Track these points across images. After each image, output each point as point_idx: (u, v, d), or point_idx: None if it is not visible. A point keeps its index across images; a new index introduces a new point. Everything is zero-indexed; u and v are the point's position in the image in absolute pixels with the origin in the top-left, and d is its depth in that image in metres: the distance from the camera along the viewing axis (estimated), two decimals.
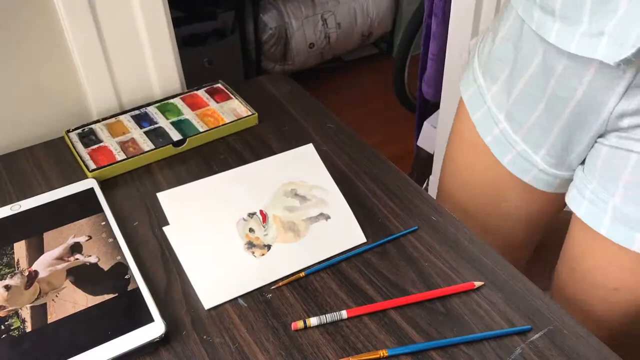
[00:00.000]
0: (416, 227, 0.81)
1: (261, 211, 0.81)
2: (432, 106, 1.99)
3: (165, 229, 0.82)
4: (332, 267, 0.76)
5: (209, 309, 0.71)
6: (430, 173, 1.95)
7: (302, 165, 0.87)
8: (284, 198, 0.83)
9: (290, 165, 0.87)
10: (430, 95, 1.92)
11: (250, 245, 0.78)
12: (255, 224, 0.80)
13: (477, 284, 0.73)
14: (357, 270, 0.75)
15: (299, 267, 0.76)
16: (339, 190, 0.84)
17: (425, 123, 2.04)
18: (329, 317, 0.69)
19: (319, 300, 0.72)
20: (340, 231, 0.80)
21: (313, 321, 0.69)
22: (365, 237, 0.80)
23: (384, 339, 0.68)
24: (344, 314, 0.69)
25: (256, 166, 0.87)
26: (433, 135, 1.95)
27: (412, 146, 2.10)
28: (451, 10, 1.66)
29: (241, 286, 0.74)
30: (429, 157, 1.96)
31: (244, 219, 0.81)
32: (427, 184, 1.95)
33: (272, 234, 0.79)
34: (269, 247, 0.78)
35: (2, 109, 0.97)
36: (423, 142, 2.04)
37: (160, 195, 0.83)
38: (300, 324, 0.68)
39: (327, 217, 0.81)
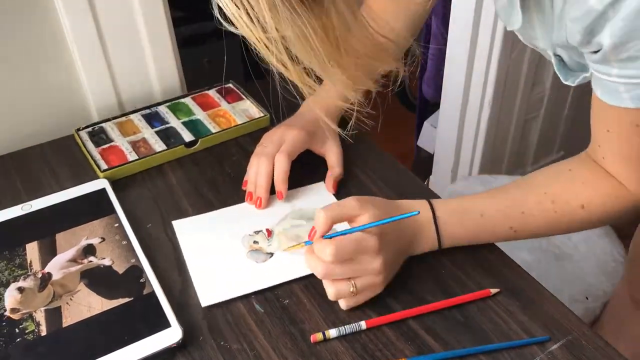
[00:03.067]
0: None
1: (267, 229, 0.82)
2: (432, 106, 1.99)
3: (174, 223, 0.82)
4: None
5: (225, 315, 0.71)
6: (430, 173, 1.95)
7: (313, 197, 0.88)
8: (291, 220, 0.84)
9: (301, 197, 0.87)
10: (430, 95, 1.92)
11: (253, 252, 0.79)
12: (260, 238, 0.81)
13: (493, 291, 0.73)
14: None
15: (301, 273, 0.76)
16: None
17: (425, 123, 2.03)
18: (348, 329, 0.68)
19: (336, 306, 0.72)
20: None
21: (332, 333, 0.68)
22: None
23: (403, 347, 0.67)
24: (363, 324, 0.69)
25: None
26: (433, 135, 1.95)
27: (412, 146, 2.10)
28: (451, 10, 1.66)
29: (241, 288, 0.74)
30: (429, 157, 1.96)
31: (249, 235, 0.81)
32: (427, 184, 1.94)
33: (275, 245, 0.80)
34: (271, 254, 0.78)
35: (1, 108, 0.97)
36: (423, 142, 2.04)
37: (175, 223, 0.83)
38: (319, 336, 0.68)
39: (334, 229, 0.81)
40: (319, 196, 0.87)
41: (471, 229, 0.76)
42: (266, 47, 0.52)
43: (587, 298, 1.23)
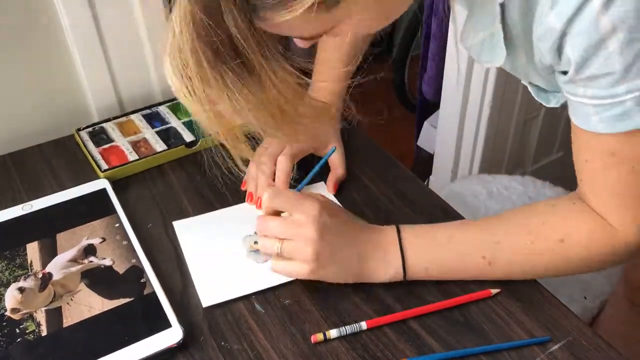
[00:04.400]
0: None
1: None
2: (432, 106, 1.99)
3: (175, 223, 0.82)
4: None
5: (226, 315, 0.71)
6: (430, 173, 1.94)
7: None
8: None
9: None
10: (430, 95, 1.92)
11: (254, 253, 0.79)
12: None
13: (494, 291, 0.73)
14: None
15: None
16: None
17: (425, 123, 2.03)
18: (348, 329, 0.68)
19: (337, 307, 0.72)
20: None
21: (333, 333, 0.68)
22: None
23: (404, 347, 0.67)
24: (364, 325, 0.69)
25: None
26: (433, 135, 1.95)
27: (412, 146, 2.10)
28: (451, 10, 1.66)
29: (242, 288, 0.74)
30: (429, 157, 1.95)
31: (249, 235, 0.81)
32: (427, 184, 1.94)
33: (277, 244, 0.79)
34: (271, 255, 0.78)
35: (1, 108, 0.97)
36: (423, 142, 2.04)
37: (176, 224, 0.83)
38: (320, 337, 0.68)
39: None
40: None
41: (438, 253, 0.72)
42: (206, 118, 0.56)
43: (585, 298, 1.23)
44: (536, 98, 0.72)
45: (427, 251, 0.72)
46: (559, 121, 1.93)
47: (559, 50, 0.58)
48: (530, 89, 0.72)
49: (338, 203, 0.85)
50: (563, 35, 0.56)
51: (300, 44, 0.60)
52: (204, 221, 0.83)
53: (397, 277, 0.72)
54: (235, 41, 0.51)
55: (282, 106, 0.57)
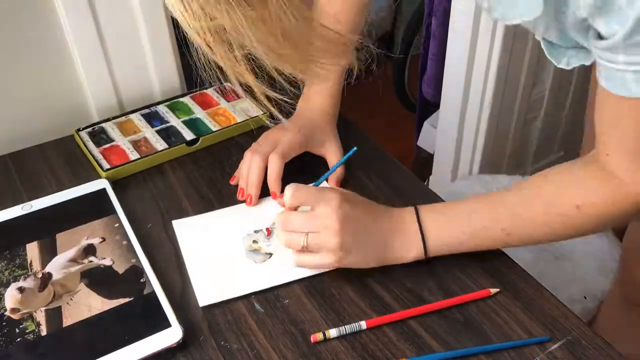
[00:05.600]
0: None
1: (267, 228, 0.82)
2: (432, 106, 1.99)
3: (174, 222, 0.82)
4: (351, 274, 0.75)
5: (225, 315, 0.71)
6: (430, 173, 1.94)
7: None
8: None
9: None
10: (430, 95, 1.92)
11: (252, 252, 0.79)
12: (259, 237, 0.81)
13: (493, 290, 0.73)
14: (373, 277, 0.75)
15: (299, 275, 0.75)
16: None
17: (425, 123, 2.03)
18: (348, 329, 0.69)
19: (336, 307, 0.72)
20: None
21: (332, 333, 0.68)
22: None
23: (403, 347, 0.67)
24: (363, 324, 0.69)
25: (269, 199, 0.87)
26: (433, 135, 1.95)
27: (412, 146, 2.10)
28: (451, 10, 1.66)
29: (239, 289, 0.74)
30: (429, 157, 1.95)
31: (249, 234, 0.81)
32: (427, 184, 1.94)
33: (275, 245, 0.79)
34: (270, 255, 0.78)
35: (1, 108, 0.97)
36: (423, 142, 2.04)
37: (175, 223, 0.83)
38: (319, 336, 0.68)
39: None
40: None
41: (459, 229, 0.73)
42: (197, 34, 0.50)
43: (585, 298, 1.23)
44: (548, 56, 0.71)
45: (447, 230, 0.73)
46: (559, 121, 1.93)
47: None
48: (543, 45, 0.71)
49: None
50: None
51: None
52: (203, 220, 0.83)
53: (419, 257, 0.74)
54: None
55: (285, 27, 0.51)
